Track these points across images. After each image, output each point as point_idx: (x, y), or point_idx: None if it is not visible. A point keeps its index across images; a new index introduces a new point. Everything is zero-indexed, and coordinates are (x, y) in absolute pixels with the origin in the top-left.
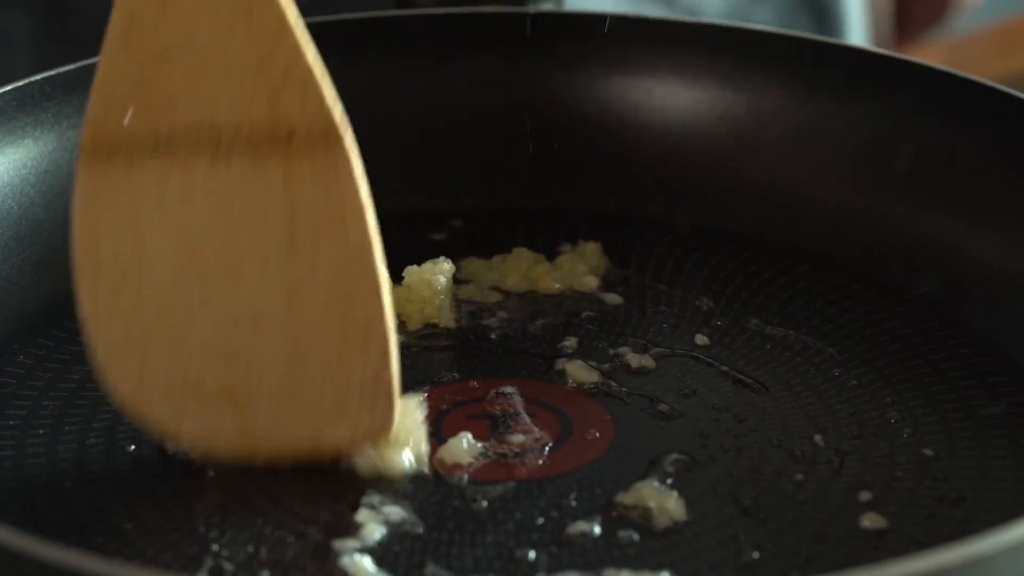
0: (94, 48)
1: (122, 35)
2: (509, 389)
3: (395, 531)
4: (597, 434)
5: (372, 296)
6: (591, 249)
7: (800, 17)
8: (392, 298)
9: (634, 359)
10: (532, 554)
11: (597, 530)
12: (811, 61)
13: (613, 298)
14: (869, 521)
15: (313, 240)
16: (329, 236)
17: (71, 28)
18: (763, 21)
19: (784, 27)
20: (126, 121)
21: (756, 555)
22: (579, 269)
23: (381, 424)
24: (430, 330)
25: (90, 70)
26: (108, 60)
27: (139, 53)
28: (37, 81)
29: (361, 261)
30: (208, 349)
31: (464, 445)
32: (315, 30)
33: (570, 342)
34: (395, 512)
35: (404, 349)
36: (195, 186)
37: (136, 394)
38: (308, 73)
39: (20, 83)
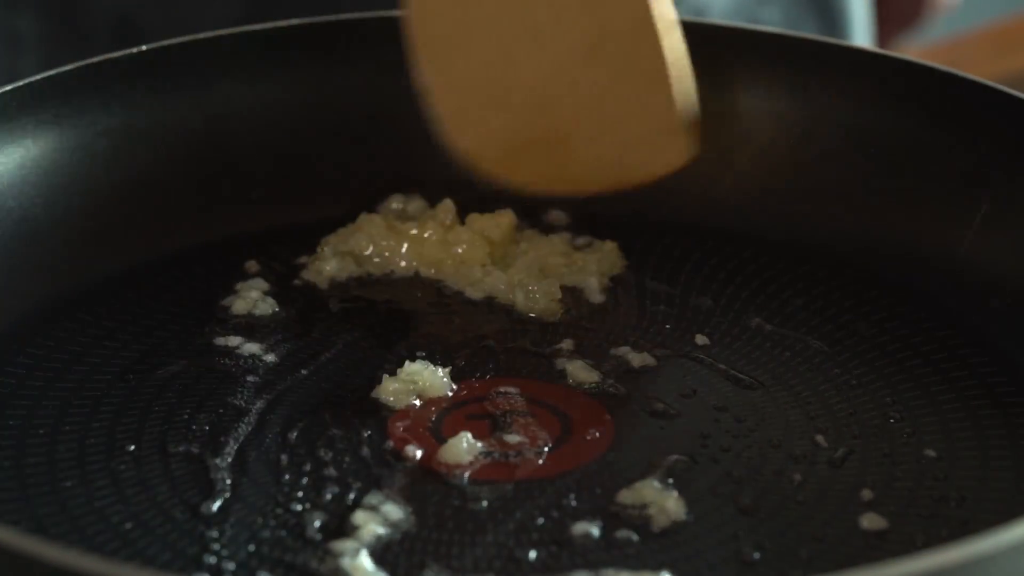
0: (101, 47)
1: None
2: (509, 389)
3: (395, 531)
4: (597, 434)
5: (654, 47)
6: (609, 248)
7: (806, 17)
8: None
9: (634, 359)
10: (532, 554)
11: (597, 531)
12: (812, 61)
13: (613, 298)
14: (869, 521)
15: (600, 3)
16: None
17: (79, 27)
18: (769, 21)
19: (790, 27)
20: None
21: (757, 555)
22: (591, 268)
23: (682, 150)
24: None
25: (90, 70)
26: None
27: None
28: (37, 81)
29: (642, 22)
30: (529, 101)
31: (464, 445)
32: (315, 30)
33: (568, 344)
34: (395, 512)
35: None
36: None
37: (474, 146)
38: None
39: (20, 83)
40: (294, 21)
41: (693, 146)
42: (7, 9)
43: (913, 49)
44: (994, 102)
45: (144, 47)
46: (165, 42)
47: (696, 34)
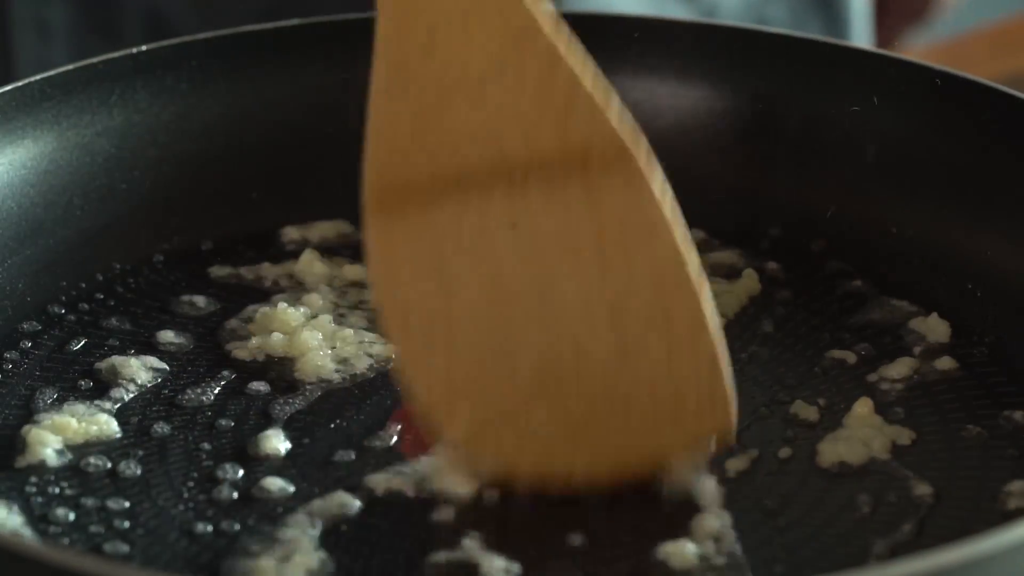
0: (130, 37)
1: (389, 85)
2: None
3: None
4: None
5: (691, 301)
6: None
7: (811, 16)
8: None
9: None
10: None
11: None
12: (812, 62)
13: None
14: (870, 521)
15: (624, 255)
16: (639, 249)
17: (108, 19)
18: (776, 19)
19: (796, 26)
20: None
21: (756, 555)
22: None
23: (722, 424)
24: None
25: (90, 70)
26: (379, 111)
27: (410, 101)
28: (37, 81)
29: (675, 269)
30: (534, 379)
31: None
32: (316, 30)
33: None
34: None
35: None
36: (494, 220)
37: (466, 436)
38: (589, 96)
39: (20, 83)
40: (294, 21)
41: (732, 417)
42: (37, 0)
43: (913, 49)
44: (994, 102)
45: (144, 47)
46: (165, 42)
47: (693, 34)
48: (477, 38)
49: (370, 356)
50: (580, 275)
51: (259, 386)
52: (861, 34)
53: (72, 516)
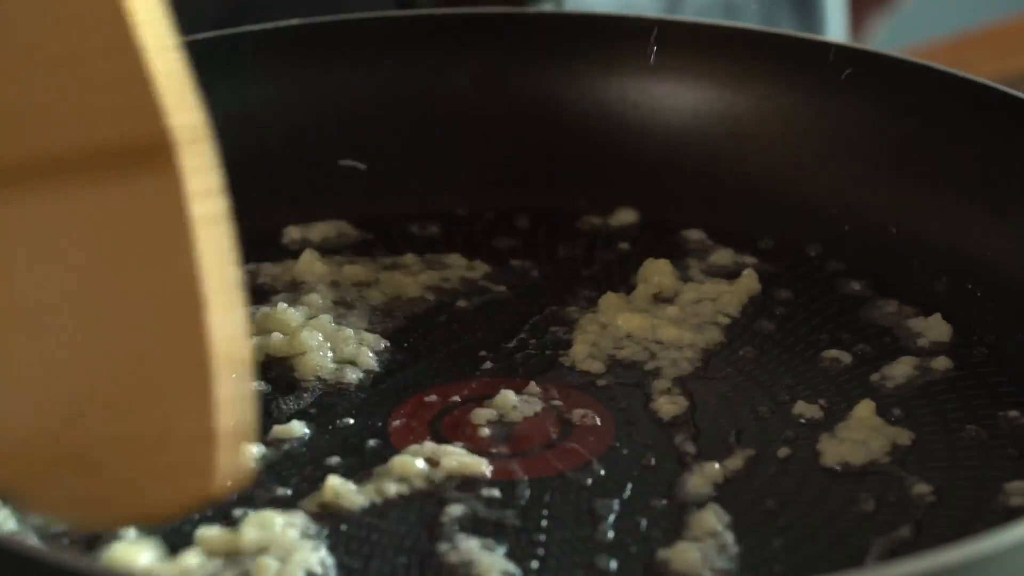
0: None
1: None
2: (507, 388)
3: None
4: (595, 436)
5: (197, 334)
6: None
7: (781, 7)
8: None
9: (635, 357)
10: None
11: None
12: (812, 62)
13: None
14: (872, 521)
15: (139, 270)
16: (155, 264)
17: None
18: (746, 10)
19: (766, 17)
20: None
21: (756, 555)
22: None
23: (201, 481)
24: (428, 331)
25: None
26: None
27: None
28: None
29: (186, 292)
30: (50, 402)
31: (463, 451)
32: (316, 30)
33: (569, 337)
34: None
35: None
36: (18, 218)
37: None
38: (144, 83)
39: None
40: (294, 21)
41: (212, 476)
42: None
43: (913, 49)
44: (994, 102)
45: None
46: None
47: (692, 34)
48: (49, 17)
49: (370, 356)
50: (91, 291)
51: (259, 386)
52: (836, 27)
53: None
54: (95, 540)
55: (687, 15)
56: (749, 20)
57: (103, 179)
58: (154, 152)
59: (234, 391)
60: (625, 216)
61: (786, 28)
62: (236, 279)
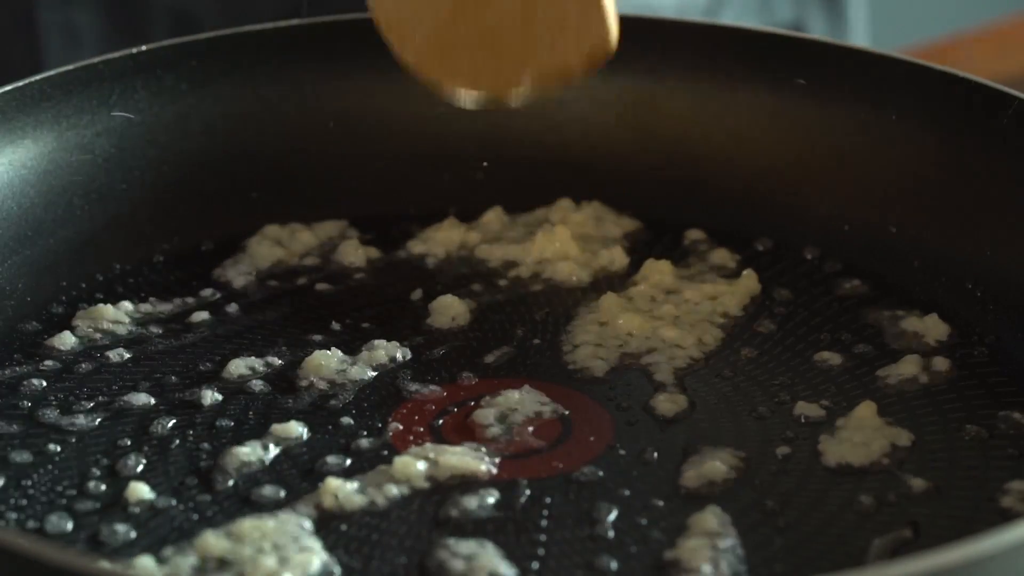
0: (159, 40)
1: None
2: (508, 388)
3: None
4: (595, 436)
5: None
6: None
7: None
8: None
9: (635, 357)
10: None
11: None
12: (812, 62)
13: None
14: (872, 521)
15: None
16: None
17: (136, 21)
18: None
19: (799, 24)
20: None
21: (756, 555)
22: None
23: (601, 42)
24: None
25: (89, 70)
26: None
27: None
28: (37, 81)
29: None
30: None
31: (462, 450)
32: (316, 30)
33: (571, 337)
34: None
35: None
36: None
37: (417, 55)
38: None
39: (20, 83)
40: (294, 21)
41: (615, 34)
42: (65, 3)
43: (913, 49)
44: (994, 102)
45: (144, 47)
46: (164, 42)
47: (693, 34)
48: None
49: (371, 356)
50: None
51: (259, 386)
52: (859, 25)
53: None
54: (96, 545)
55: (729, 11)
56: (783, 16)
57: None
58: None
59: None
60: (625, 216)
61: (816, 24)
62: None
